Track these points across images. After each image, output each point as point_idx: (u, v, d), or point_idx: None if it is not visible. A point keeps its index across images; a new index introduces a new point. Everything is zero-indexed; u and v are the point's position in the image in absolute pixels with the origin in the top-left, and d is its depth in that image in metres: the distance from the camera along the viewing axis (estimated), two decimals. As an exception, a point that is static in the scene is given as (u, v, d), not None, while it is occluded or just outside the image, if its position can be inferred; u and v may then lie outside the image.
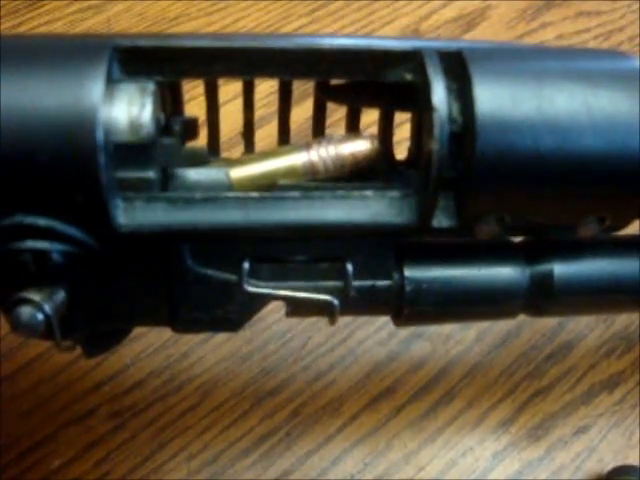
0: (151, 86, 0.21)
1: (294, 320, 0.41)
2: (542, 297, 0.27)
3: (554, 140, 0.22)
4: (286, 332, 0.41)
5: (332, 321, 0.26)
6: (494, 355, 0.41)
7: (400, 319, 0.27)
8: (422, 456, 0.38)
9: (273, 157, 0.24)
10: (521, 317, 0.42)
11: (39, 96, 0.20)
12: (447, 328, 0.42)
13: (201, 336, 0.40)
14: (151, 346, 0.40)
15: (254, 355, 0.40)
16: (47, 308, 0.21)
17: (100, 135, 0.20)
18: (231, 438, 0.37)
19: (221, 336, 0.40)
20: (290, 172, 0.24)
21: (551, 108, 0.22)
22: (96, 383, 0.38)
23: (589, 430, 0.39)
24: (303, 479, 0.37)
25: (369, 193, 0.23)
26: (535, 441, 0.38)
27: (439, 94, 0.21)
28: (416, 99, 0.23)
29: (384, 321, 0.42)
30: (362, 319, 0.42)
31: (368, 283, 0.25)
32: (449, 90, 0.22)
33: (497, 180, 0.22)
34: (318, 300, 0.25)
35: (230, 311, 0.25)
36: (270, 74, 0.23)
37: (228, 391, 0.39)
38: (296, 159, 0.24)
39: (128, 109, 0.21)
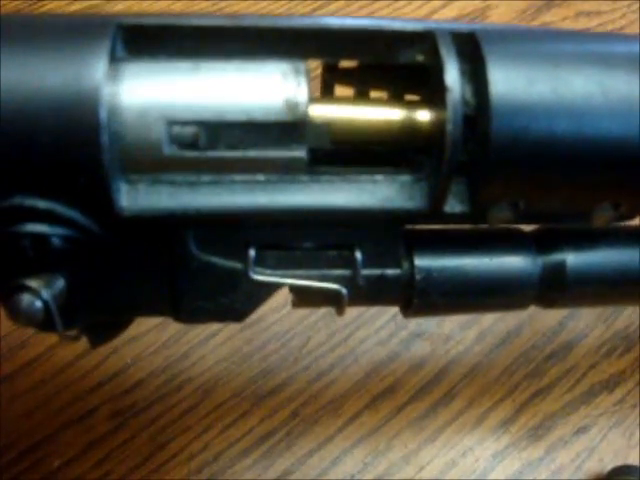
0: (303, 65, 0.21)
1: (294, 320, 0.41)
2: (554, 288, 0.26)
3: (570, 123, 0.21)
4: (286, 332, 0.41)
5: (340, 311, 0.25)
6: (494, 355, 0.41)
7: (409, 310, 0.26)
8: (422, 456, 0.38)
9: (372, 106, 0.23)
10: (522, 316, 0.43)
11: (40, 74, 0.19)
12: (447, 328, 0.42)
13: (201, 336, 0.40)
14: (151, 346, 0.40)
15: (254, 355, 0.40)
16: (46, 295, 0.21)
17: (103, 114, 0.19)
18: (231, 438, 0.37)
19: (221, 336, 0.41)
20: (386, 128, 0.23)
21: (566, 90, 0.21)
22: (96, 383, 0.38)
23: (589, 430, 0.39)
24: (303, 479, 0.37)
25: (379, 177, 0.22)
26: (535, 441, 0.38)
27: (452, 74, 0.21)
28: (427, 81, 0.22)
29: (384, 321, 0.42)
30: (362, 319, 0.42)
31: (377, 272, 0.24)
32: (462, 72, 0.21)
33: (511, 164, 0.22)
34: (326, 289, 0.24)
35: (235, 300, 0.24)
36: (279, 54, 0.22)
37: (228, 391, 0.39)
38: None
39: (283, 87, 0.21)
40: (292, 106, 0.21)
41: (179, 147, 0.21)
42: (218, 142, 0.21)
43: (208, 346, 0.40)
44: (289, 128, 0.21)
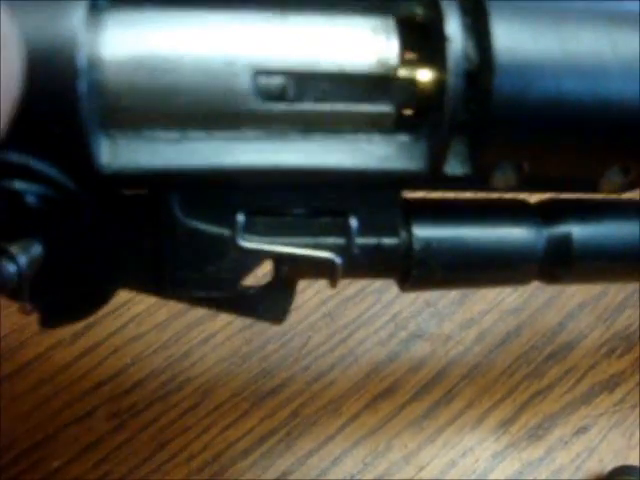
0: (393, 20, 0.21)
1: (294, 320, 0.41)
2: (559, 262, 0.25)
3: (577, 80, 0.20)
4: (286, 332, 0.41)
5: (333, 282, 0.23)
6: (494, 355, 0.41)
7: (407, 283, 0.25)
8: (422, 456, 0.38)
9: None
10: (522, 317, 0.43)
11: (17, 20, 0.18)
12: (447, 328, 0.42)
13: (201, 336, 0.40)
14: (151, 346, 0.40)
15: (254, 355, 0.40)
16: (22, 261, 0.19)
17: (82, 60, 0.18)
18: (231, 438, 0.37)
19: (221, 336, 0.40)
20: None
21: (574, 46, 0.20)
22: (96, 383, 0.38)
23: (589, 430, 0.39)
24: (303, 479, 0.36)
25: (376, 136, 0.21)
26: (535, 441, 0.38)
27: (453, 25, 0.20)
28: (427, 40, 0.22)
29: (384, 321, 0.42)
30: (362, 319, 0.42)
31: (373, 240, 0.23)
32: (464, 25, 0.20)
33: (515, 123, 0.21)
34: (318, 258, 0.23)
35: (222, 269, 0.23)
36: (266, 6, 0.21)
37: (228, 391, 0.39)
38: None
39: (374, 41, 0.20)
40: (383, 60, 0.20)
41: (266, 99, 0.20)
42: (306, 94, 0.20)
43: (208, 346, 0.40)
44: (378, 82, 0.20)
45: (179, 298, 0.25)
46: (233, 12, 0.21)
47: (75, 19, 0.18)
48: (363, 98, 0.21)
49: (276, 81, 0.20)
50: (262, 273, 0.25)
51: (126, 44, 0.20)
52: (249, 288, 0.25)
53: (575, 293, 0.44)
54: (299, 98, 0.20)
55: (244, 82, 0.20)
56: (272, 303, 0.25)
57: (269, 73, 0.20)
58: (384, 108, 0.21)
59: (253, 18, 0.21)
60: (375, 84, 0.21)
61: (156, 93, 0.20)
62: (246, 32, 0.20)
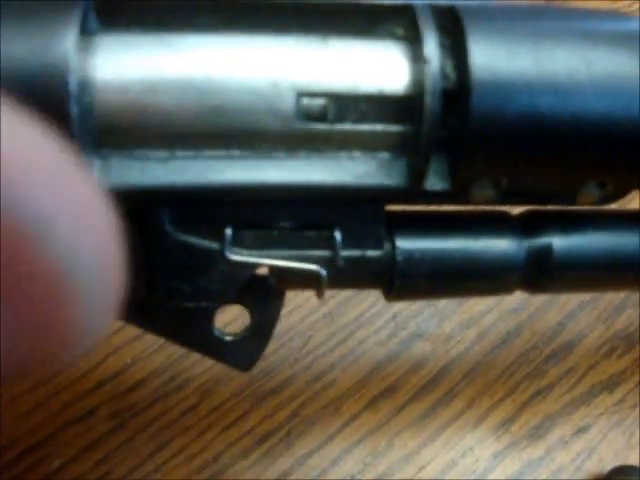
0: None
1: (294, 320, 0.41)
2: (540, 272, 0.26)
3: (552, 98, 0.21)
4: (286, 332, 0.41)
5: (319, 294, 0.24)
6: (494, 355, 0.41)
7: (391, 293, 0.25)
8: (422, 456, 0.38)
9: None
10: (522, 316, 0.43)
11: (7, 46, 0.18)
12: (447, 328, 0.42)
13: (201, 336, 0.40)
14: (151, 346, 0.40)
15: (254, 355, 0.40)
16: None
17: (73, 85, 0.19)
18: (231, 438, 0.37)
19: (221, 336, 0.40)
20: None
21: (550, 63, 0.21)
22: (96, 383, 0.38)
23: (589, 430, 0.39)
24: (303, 479, 0.36)
25: (357, 154, 0.22)
26: (535, 441, 0.38)
27: (431, 46, 0.21)
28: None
29: (384, 321, 0.42)
30: (362, 319, 0.42)
31: (357, 253, 0.24)
32: (442, 46, 0.21)
33: (492, 140, 0.21)
34: (304, 270, 0.23)
35: (212, 281, 0.23)
36: (254, 30, 0.21)
37: (228, 391, 0.39)
38: None
39: (408, 63, 0.21)
40: (417, 81, 0.21)
41: (308, 119, 0.21)
42: (346, 115, 0.21)
43: (208, 346, 0.40)
44: (412, 103, 0.21)
45: (157, 330, 0.26)
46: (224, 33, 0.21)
47: (65, 44, 0.19)
48: (397, 119, 0.21)
49: (318, 103, 0.21)
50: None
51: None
52: (226, 335, 0.26)
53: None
54: (339, 119, 0.21)
55: (285, 103, 0.21)
56: (243, 352, 0.26)
57: (312, 95, 0.21)
58: (415, 129, 0.22)
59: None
60: (407, 104, 0.21)
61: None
62: (284, 54, 0.21)
